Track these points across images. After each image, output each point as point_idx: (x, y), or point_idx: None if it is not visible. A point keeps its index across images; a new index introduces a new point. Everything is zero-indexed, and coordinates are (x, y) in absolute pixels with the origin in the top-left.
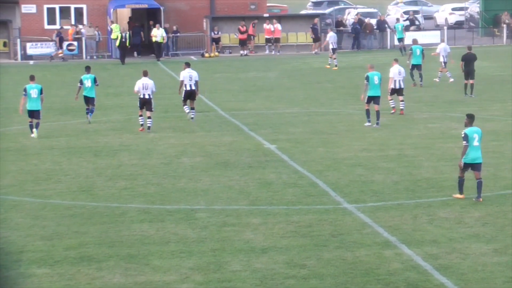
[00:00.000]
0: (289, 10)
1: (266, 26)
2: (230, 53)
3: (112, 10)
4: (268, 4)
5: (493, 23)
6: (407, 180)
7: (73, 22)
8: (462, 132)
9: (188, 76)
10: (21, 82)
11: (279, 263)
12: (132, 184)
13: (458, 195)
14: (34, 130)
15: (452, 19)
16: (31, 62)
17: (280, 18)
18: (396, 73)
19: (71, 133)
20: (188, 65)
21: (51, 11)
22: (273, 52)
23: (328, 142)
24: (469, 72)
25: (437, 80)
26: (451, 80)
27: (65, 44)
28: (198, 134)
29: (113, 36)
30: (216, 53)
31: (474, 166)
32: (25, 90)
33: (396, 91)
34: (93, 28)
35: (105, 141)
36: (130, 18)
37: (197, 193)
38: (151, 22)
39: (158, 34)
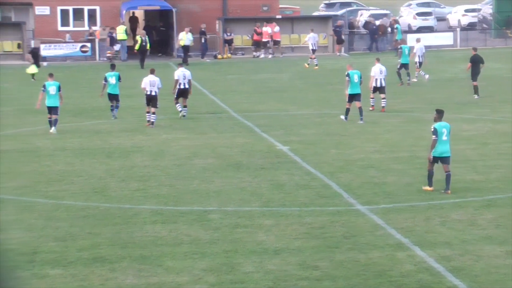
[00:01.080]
0: (301, 12)
1: (264, 28)
2: (242, 54)
3: (124, 11)
4: (280, 6)
5: (506, 25)
6: (420, 182)
7: (86, 24)
8: (432, 127)
9: (182, 75)
10: (35, 83)
11: (292, 265)
12: (145, 185)
13: (428, 188)
14: (53, 128)
15: (465, 21)
16: (45, 63)
17: (293, 20)
18: (378, 71)
19: (84, 134)
20: (181, 64)
21: (64, 13)
22: (270, 56)
23: (340, 144)
24: (474, 74)
25: (415, 80)
26: (427, 76)
27: (96, 44)
28: (210, 135)
29: (118, 37)
30: (229, 55)
31: (443, 160)
32: (44, 86)
33: (378, 89)
34: (107, 30)
35: (117, 143)
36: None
37: (209, 195)
38: (161, 24)
39: (186, 38)
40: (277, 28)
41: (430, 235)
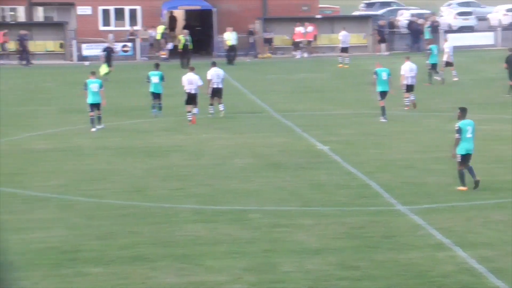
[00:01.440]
0: (341, 11)
1: (296, 28)
2: (282, 54)
3: (165, 11)
4: (320, 6)
5: None
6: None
7: (127, 24)
8: (456, 125)
9: (215, 75)
10: (76, 83)
11: (332, 265)
12: (185, 184)
13: (462, 188)
14: (97, 126)
15: (506, 20)
16: (86, 63)
17: (333, 19)
18: (407, 70)
19: (125, 133)
20: (214, 64)
21: (106, 13)
22: (305, 55)
23: (379, 144)
24: (511, 73)
25: (438, 78)
26: (439, 79)
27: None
28: (249, 135)
29: (157, 37)
30: (269, 54)
31: (468, 157)
32: (85, 84)
33: (408, 88)
34: (148, 30)
35: (157, 142)
36: (185, 20)
37: (249, 194)
38: (197, 23)
39: (232, 37)
40: (310, 28)
41: (471, 235)
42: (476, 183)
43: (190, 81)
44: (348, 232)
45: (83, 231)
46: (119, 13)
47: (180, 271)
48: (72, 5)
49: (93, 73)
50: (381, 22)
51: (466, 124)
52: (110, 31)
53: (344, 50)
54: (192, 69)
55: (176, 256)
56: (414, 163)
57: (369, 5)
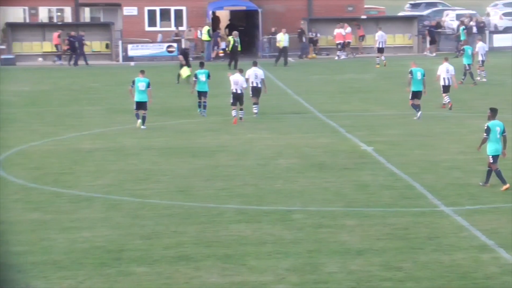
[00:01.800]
0: (386, 12)
1: (337, 30)
2: (327, 55)
3: (210, 12)
4: (365, 6)
5: None
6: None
7: (173, 24)
8: (485, 125)
9: (253, 75)
10: (122, 83)
11: (375, 265)
12: (229, 184)
13: (505, 186)
14: (139, 121)
15: None
16: (132, 63)
17: (378, 20)
18: (444, 70)
19: (170, 133)
20: (255, 64)
21: (151, 13)
22: (343, 57)
23: (424, 145)
24: None
25: (479, 79)
26: (478, 79)
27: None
28: (294, 135)
29: (203, 38)
30: (314, 55)
31: (497, 158)
32: (133, 82)
33: (444, 88)
34: (193, 31)
35: (202, 142)
36: (230, 20)
37: (293, 195)
38: (241, 23)
39: (284, 39)
40: (348, 29)
41: None
42: (484, 186)
43: (236, 81)
44: (391, 233)
45: (128, 230)
46: (165, 14)
47: (224, 271)
48: (118, 5)
49: (142, 72)
50: (432, 23)
51: (496, 124)
52: (156, 32)
53: (380, 50)
54: (240, 71)
55: (219, 256)
56: (458, 164)
57: (415, 6)
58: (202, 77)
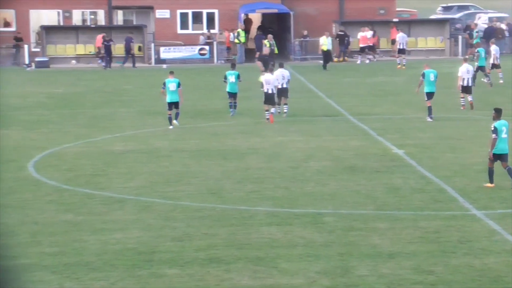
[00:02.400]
0: (418, 15)
1: (361, 33)
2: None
3: (242, 14)
4: (397, 9)
5: None
6: None
7: (205, 27)
8: (492, 126)
9: (280, 76)
10: (155, 85)
11: (406, 269)
12: (260, 187)
13: (489, 184)
14: (174, 121)
15: None
16: (164, 66)
17: (410, 23)
18: (465, 71)
19: (201, 136)
20: (281, 65)
21: (183, 16)
22: (367, 62)
23: (456, 148)
24: None
25: (485, 80)
26: (487, 80)
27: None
28: (325, 138)
29: (236, 40)
30: (345, 58)
31: (502, 157)
32: (164, 84)
33: (465, 89)
34: (224, 34)
35: (233, 144)
36: (261, 22)
37: (324, 197)
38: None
39: (327, 42)
40: (369, 33)
41: None
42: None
43: (267, 81)
44: (422, 237)
45: (159, 232)
46: (197, 17)
47: (255, 273)
48: (151, 8)
49: (172, 73)
50: (472, 25)
51: (502, 124)
52: (188, 35)
53: (401, 51)
54: (271, 70)
55: (250, 259)
56: None
57: (447, 9)
58: (232, 78)
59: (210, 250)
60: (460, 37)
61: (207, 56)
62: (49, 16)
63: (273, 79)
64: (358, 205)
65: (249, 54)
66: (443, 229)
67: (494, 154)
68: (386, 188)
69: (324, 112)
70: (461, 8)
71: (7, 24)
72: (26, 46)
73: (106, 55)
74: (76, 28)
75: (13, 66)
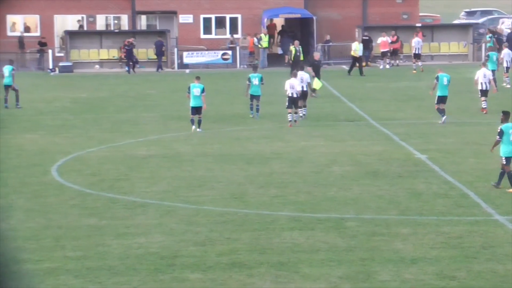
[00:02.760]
0: (441, 20)
1: (382, 38)
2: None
3: (266, 19)
4: (420, 14)
5: None
6: None
7: (228, 32)
8: (498, 128)
9: (299, 79)
10: (178, 90)
11: (429, 274)
12: (283, 192)
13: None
14: (197, 129)
15: None
16: (187, 70)
17: (433, 28)
18: (482, 75)
19: (224, 140)
20: (301, 68)
21: (207, 21)
22: (387, 66)
23: (479, 153)
24: None
25: (508, 86)
26: (509, 86)
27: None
28: (348, 143)
29: (263, 45)
30: (368, 63)
31: (508, 160)
32: (189, 88)
33: (484, 92)
34: (248, 38)
35: (257, 149)
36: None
37: (346, 202)
38: (289, 30)
39: (359, 48)
40: (386, 38)
41: None
42: (496, 187)
43: (291, 85)
44: (445, 242)
45: (182, 237)
46: (220, 22)
47: (277, 278)
48: (174, 13)
49: (198, 78)
50: (499, 30)
51: (509, 127)
52: (211, 40)
53: (417, 56)
54: (295, 75)
55: (273, 263)
56: None
57: (470, 14)
58: (255, 81)
59: (232, 254)
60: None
61: (229, 61)
62: (73, 21)
63: (297, 83)
64: (380, 210)
65: (272, 59)
66: (466, 234)
67: (506, 158)
68: (409, 193)
69: (347, 117)
70: (484, 13)
71: (27, 29)
72: (50, 51)
73: (128, 59)
74: (99, 33)
75: (38, 71)
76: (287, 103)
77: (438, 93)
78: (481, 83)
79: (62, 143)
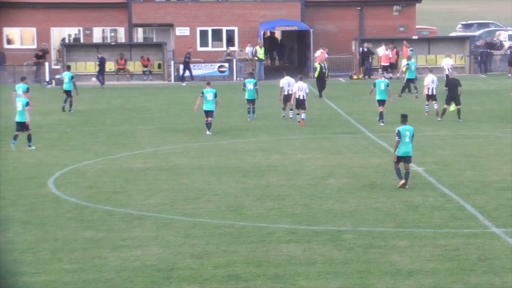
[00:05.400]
0: (438, 32)
1: (385, 52)
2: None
3: (262, 32)
4: (417, 27)
5: None
6: None
7: (224, 45)
8: (396, 130)
9: (286, 83)
10: (175, 102)
11: (426, 287)
12: (280, 204)
13: (401, 182)
14: (208, 132)
15: None
16: (184, 83)
17: (430, 40)
18: (430, 81)
19: (221, 153)
20: (301, 78)
21: (203, 34)
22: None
23: (476, 165)
24: None
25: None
26: None
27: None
28: (345, 155)
29: (261, 57)
30: (360, 76)
31: (405, 159)
32: (202, 93)
33: (430, 97)
34: (244, 51)
35: (253, 162)
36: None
37: (343, 215)
38: (279, 39)
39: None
40: (386, 52)
41: None
42: (404, 185)
43: (300, 88)
44: (442, 254)
45: (178, 249)
46: (217, 34)
47: None
48: (171, 26)
49: (209, 83)
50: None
51: (406, 129)
52: (207, 52)
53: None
54: (301, 78)
55: (269, 276)
56: (510, 185)
57: (467, 26)
58: (250, 86)
59: (229, 267)
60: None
61: (226, 73)
62: (70, 34)
63: (305, 86)
64: (377, 223)
65: (269, 71)
66: (463, 247)
67: (398, 157)
68: (406, 206)
69: (343, 129)
70: (481, 25)
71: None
72: (46, 64)
73: (99, 73)
74: (96, 46)
75: (34, 83)
76: (294, 105)
77: (378, 97)
78: (428, 88)
79: (59, 156)
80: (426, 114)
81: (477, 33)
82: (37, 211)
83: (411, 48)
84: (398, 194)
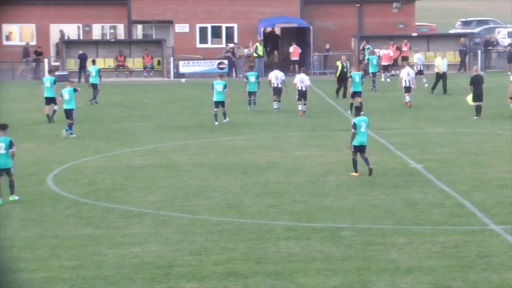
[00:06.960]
0: (437, 29)
1: (385, 51)
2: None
3: (262, 29)
4: (416, 24)
5: None
6: None
7: (224, 41)
8: (352, 121)
9: (274, 76)
10: (174, 100)
11: (424, 284)
12: (279, 201)
13: (354, 174)
14: (224, 120)
15: None
16: (183, 80)
17: (429, 37)
18: (406, 73)
19: (220, 150)
20: (304, 71)
21: (203, 31)
22: (388, 80)
23: (475, 163)
24: None
25: (426, 85)
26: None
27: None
28: (344, 152)
29: (255, 54)
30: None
31: (361, 149)
32: (212, 85)
33: (406, 89)
34: (242, 48)
35: (252, 159)
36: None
37: (342, 212)
38: (277, 34)
39: (443, 63)
40: (385, 51)
41: None
42: (370, 170)
43: (302, 80)
44: (441, 251)
45: (178, 246)
46: (216, 31)
47: (273, 287)
48: (170, 23)
49: (220, 76)
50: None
51: (361, 120)
52: (207, 49)
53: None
54: (303, 71)
55: (268, 273)
56: (509, 183)
57: (466, 23)
58: (252, 78)
59: (228, 264)
60: (479, 51)
61: (225, 70)
62: (69, 31)
63: (306, 78)
64: (376, 220)
65: (268, 68)
66: (462, 244)
67: (355, 146)
68: (405, 203)
69: (342, 127)
70: (480, 22)
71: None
72: (46, 60)
73: (80, 70)
74: (96, 43)
75: (33, 80)
76: (297, 96)
77: (353, 89)
78: (405, 81)
79: (58, 153)
80: (405, 105)
81: (476, 30)
82: (36, 208)
83: (367, 47)
84: (397, 191)
